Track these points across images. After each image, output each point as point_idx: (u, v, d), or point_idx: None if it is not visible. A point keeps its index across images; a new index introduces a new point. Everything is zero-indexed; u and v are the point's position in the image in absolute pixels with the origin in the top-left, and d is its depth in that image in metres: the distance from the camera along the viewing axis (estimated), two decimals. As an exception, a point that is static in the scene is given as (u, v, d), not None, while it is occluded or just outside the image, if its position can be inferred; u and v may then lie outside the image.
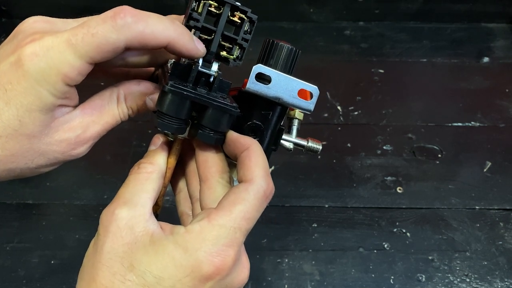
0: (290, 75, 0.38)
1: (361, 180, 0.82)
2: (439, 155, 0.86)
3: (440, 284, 0.70)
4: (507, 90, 0.96)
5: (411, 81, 0.99)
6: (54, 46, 0.31)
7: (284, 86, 0.38)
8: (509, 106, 0.94)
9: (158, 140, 0.39)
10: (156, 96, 0.36)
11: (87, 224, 0.76)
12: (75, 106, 0.35)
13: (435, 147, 0.87)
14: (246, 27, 0.36)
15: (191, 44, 0.34)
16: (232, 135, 0.37)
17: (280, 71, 0.38)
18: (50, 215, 0.77)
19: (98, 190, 0.80)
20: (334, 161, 0.85)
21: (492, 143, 0.87)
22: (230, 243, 0.32)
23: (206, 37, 0.35)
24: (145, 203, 0.34)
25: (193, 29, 0.35)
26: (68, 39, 0.31)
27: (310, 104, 0.39)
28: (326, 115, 0.91)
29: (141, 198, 0.34)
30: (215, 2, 0.35)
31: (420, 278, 0.70)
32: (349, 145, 0.87)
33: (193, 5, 0.34)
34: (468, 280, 0.70)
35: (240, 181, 0.35)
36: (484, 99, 0.95)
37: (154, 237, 0.32)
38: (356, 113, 0.92)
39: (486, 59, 1.02)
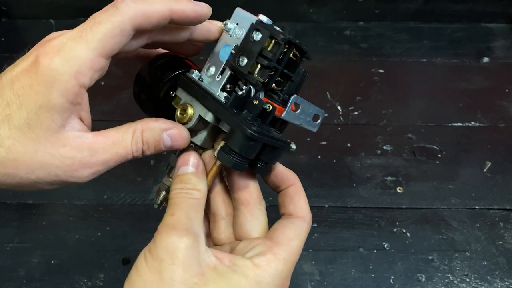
0: (298, 94, 0.40)
1: (361, 180, 0.82)
2: (439, 155, 0.86)
3: (440, 284, 0.70)
4: (507, 90, 0.97)
5: (411, 81, 0.99)
6: (65, 44, 0.31)
7: (306, 112, 0.39)
8: (509, 106, 0.94)
9: (197, 161, 0.38)
10: (173, 131, 0.37)
11: (87, 224, 0.76)
12: (88, 131, 0.35)
13: (435, 147, 0.87)
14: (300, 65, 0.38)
15: (193, 6, 0.34)
16: (279, 168, 0.40)
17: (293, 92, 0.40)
18: (50, 215, 0.77)
19: (98, 190, 0.80)
20: (334, 161, 0.85)
21: (492, 143, 0.87)
22: (289, 274, 0.37)
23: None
24: (201, 232, 0.35)
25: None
26: (78, 34, 0.32)
27: (318, 125, 0.41)
28: (326, 115, 0.91)
29: (199, 227, 0.35)
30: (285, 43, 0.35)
31: (420, 278, 0.70)
32: (349, 145, 0.87)
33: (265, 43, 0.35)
34: (468, 280, 0.70)
35: (289, 215, 0.38)
36: (484, 99, 0.95)
37: (218, 270, 0.33)
38: (356, 113, 0.92)
39: (486, 59, 1.02)
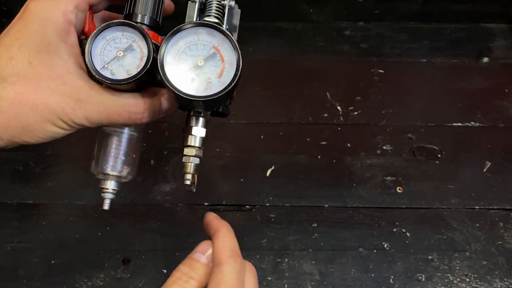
0: None
1: (361, 180, 0.82)
2: (439, 155, 0.86)
3: (439, 284, 0.70)
4: (507, 90, 0.96)
5: (411, 81, 0.99)
6: None
7: None
8: (509, 106, 0.94)
9: (210, 249, 0.39)
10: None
11: (87, 224, 0.76)
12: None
13: (435, 147, 0.87)
14: None
15: None
16: (207, 217, 0.41)
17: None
18: (50, 215, 0.77)
19: (98, 190, 0.79)
20: (334, 161, 0.85)
21: (492, 143, 0.87)
22: None
23: None
24: None
25: None
26: None
27: None
28: (326, 115, 0.90)
29: None
30: None
31: (420, 278, 0.71)
32: (349, 145, 0.87)
33: None
34: (467, 280, 0.70)
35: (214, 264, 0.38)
36: (484, 99, 0.95)
37: None
38: (356, 113, 0.92)
39: (486, 59, 1.02)
